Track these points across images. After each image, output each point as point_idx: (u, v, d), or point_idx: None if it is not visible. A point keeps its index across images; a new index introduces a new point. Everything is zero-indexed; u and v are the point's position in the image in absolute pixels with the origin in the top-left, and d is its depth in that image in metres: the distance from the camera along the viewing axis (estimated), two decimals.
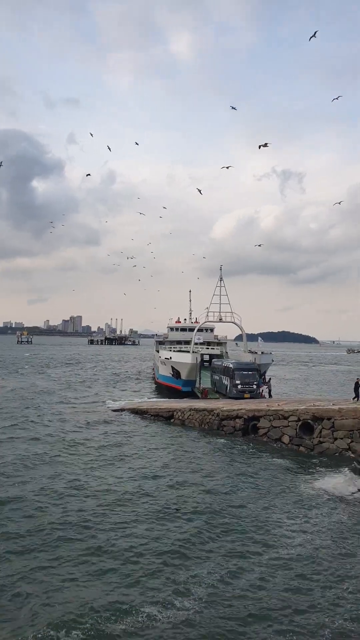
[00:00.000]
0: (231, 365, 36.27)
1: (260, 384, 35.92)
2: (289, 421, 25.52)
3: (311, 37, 29.96)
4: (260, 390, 35.34)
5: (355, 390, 29.81)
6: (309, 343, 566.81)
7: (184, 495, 17.33)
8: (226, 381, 36.25)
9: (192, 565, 12.12)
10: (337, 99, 34.16)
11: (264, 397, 35.16)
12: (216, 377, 40.19)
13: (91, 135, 48.35)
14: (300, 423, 24.99)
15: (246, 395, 34.08)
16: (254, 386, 34.85)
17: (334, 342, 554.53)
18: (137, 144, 72.34)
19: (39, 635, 9.22)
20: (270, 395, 35.80)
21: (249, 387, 34.62)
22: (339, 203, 50.35)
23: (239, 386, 34.49)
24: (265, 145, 31.15)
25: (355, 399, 29.39)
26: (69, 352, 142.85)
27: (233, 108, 35.24)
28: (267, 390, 36.15)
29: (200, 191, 48.78)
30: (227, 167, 39.07)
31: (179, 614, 10.05)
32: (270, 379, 38.29)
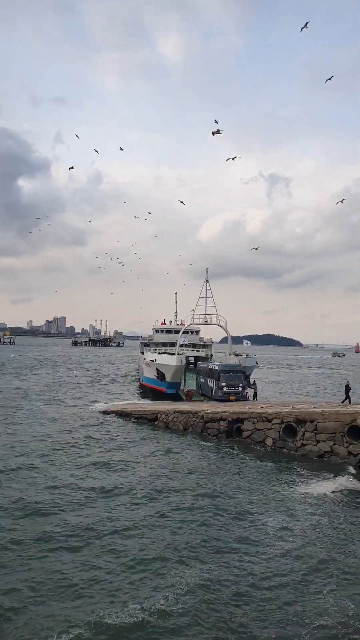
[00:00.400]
0: (217, 367, 36.16)
1: (245, 386, 36.01)
2: (272, 424, 25.70)
3: (303, 28, 29.54)
4: (245, 393, 35.46)
5: (346, 392, 30.07)
6: (293, 346, 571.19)
7: (168, 498, 17.33)
8: (212, 383, 36.18)
9: (177, 567, 12.12)
10: (330, 79, 32.99)
11: (248, 399, 35.32)
12: (201, 380, 40.01)
13: (77, 136, 48.36)
14: (283, 425, 25.18)
15: (232, 398, 34.05)
16: (240, 388, 34.83)
17: (317, 345, 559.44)
18: (121, 149, 70.66)
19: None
20: (255, 398, 35.95)
21: (234, 389, 34.55)
22: (342, 201, 47.48)
23: (225, 388, 34.42)
24: (219, 132, 30.48)
25: (346, 401, 29.62)
26: (53, 354, 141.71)
27: (216, 122, 35.42)
28: (253, 392, 36.26)
29: (183, 202, 48.49)
30: (233, 159, 35.94)
31: (168, 614, 10.08)
32: (254, 381, 38.36)
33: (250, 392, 35.99)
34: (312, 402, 33.25)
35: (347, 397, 29.71)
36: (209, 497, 17.47)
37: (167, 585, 11.28)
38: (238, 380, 34.94)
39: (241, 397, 34.56)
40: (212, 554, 12.92)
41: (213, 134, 30.48)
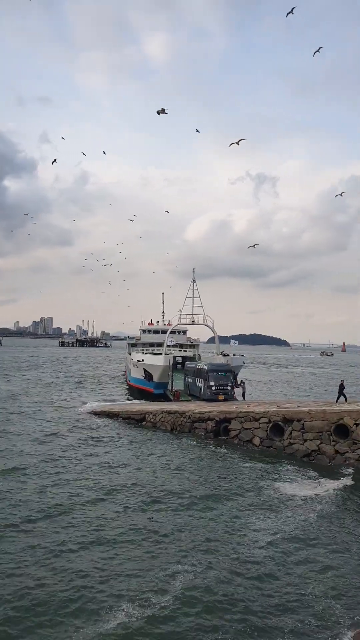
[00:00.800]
0: (205, 367, 36.00)
1: (234, 386, 35.98)
2: (259, 423, 25.80)
3: (288, 14, 28.97)
4: (233, 392, 35.45)
5: (340, 391, 30.07)
6: (280, 345, 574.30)
7: (155, 498, 17.29)
8: (200, 383, 36.04)
9: (164, 565, 12.12)
10: (318, 51, 31.76)
11: (236, 399, 35.35)
12: (189, 380, 39.78)
13: (62, 138, 47.81)
14: (270, 425, 25.29)
15: (220, 397, 33.97)
16: (229, 388, 34.73)
17: (304, 344, 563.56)
18: (104, 152, 69.90)
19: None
20: (244, 398, 35.95)
21: (223, 388, 34.43)
22: (341, 194, 45.83)
23: (213, 388, 34.28)
24: (164, 111, 30.00)
25: (341, 399, 29.50)
26: (40, 354, 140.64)
27: (197, 131, 35.34)
28: (241, 392, 36.23)
29: (167, 212, 47.60)
30: (238, 142, 33.26)
31: (154, 612, 10.11)
32: (242, 381, 38.36)
33: (238, 391, 35.99)
34: (299, 401, 33.46)
35: (342, 395, 29.67)
36: (197, 497, 17.47)
37: (157, 586, 11.26)
38: (227, 380, 34.84)
39: (230, 397, 34.56)
40: (201, 554, 12.92)
41: (158, 113, 29.90)
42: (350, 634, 9.51)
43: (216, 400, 33.58)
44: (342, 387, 30.29)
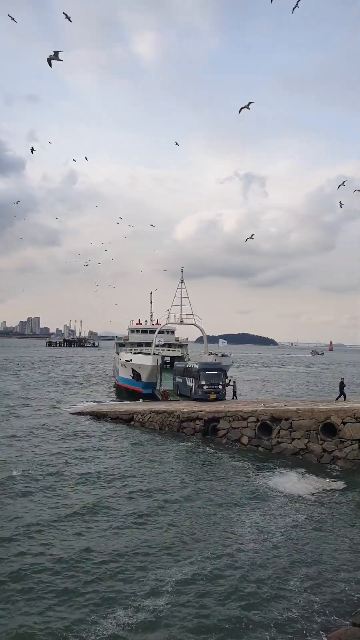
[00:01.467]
0: (196, 366, 35.31)
1: (225, 385, 35.72)
2: (247, 422, 25.87)
3: (294, 8, 27.39)
4: (224, 391, 35.15)
5: (341, 389, 30.02)
6: (268, 345, 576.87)
7: (144, 497, 17.24)
8: (190, 382, 35.71)
9: (154, 566, 12.10)
10: (296, 6, 29.52)
11: (225, 398, 35.25)
12: (179, 380, 39.33)
13: (50, 143, 47.10)
14: (259, 424, 25.37)
15: (212, 396, 33.59)
16: (220, 387, 34.36)
17: (292, 344, 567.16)
18: (86, 158, 63.87)
19: None
20: (235, 397, 35.66)
21: (214, 387, 34.03)
22: (343, 184, 43.25)
23: (205, 387, 33.82)
24: (248, 107, 28.40)
25: (341, 397, 29.41)
26: (27, 355, 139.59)
27: (177, 144, 35.23)
28: (232, 391, 35.92)
29: (152, 225, 45.65)
30: (248, 106, 29.24)
31: (147, 614, 10.08)
32: (233, 380, 38.19)
33: (228, 390, 35.84)
34: (286, 400, 33.59)
35: (342, 393, 29.61)
36: (186, 497, 17.47)
37: (145, 584, 11.24)
38: (218, 379, 34.45)
39: (221, 396, 34.25)
40: (189, 553, 12.92)
41: (241, 110, 28.56)
42: (332, 632, 9.57)
43: (207, 399, 33.35)
44: (342, 385, 30.09)
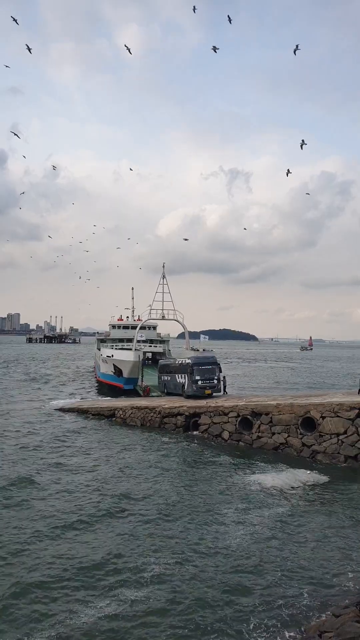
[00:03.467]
0: (188, 361, 33.23)
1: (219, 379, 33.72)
2: (228, 417, 26.04)
3: (295, 50, 28.12)
4: (219, 386, 33.40)
5: None
6: (249, 340, 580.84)
7: (126, 494, 17.22)
8: (181, 379, 33.72)
9: (138, 560, 12.12)
10: (297, 48, 30.72)
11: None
12: (166, 377, 36.93)
13: (28, 147, 46.12)
14: (239, 419, 25.56)
15: (208, 392, 31.73)
16: (215, 381, 32.47)
17: (272, 339, 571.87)
18: (54, 167, 66.18)
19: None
20: (225, 392, 34.97)
21: (210, 382, 32.11)
22: (308, 194, 43.85)
23: (199, 382, 31.82)
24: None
25: None
26: (6, 351, 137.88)
27: (131, 169, 35.91)
28: (222, 386, 34.89)
29: (129, 239, 44.24)
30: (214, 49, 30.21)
31: (133, 607, 10.11)
32: (224, 376, 37.35)
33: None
34: (267, 395, 33.80)
35: None
36: (167, 492, 17.51)
37: (128, 581, 11.25)
38: (213, 373, 32.66)
39: (217, 391, 32.56)
40: (168, 546, 12.98)
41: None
42: (311, 622, 9.74)
43: (203, 396, 31.51)
44: None
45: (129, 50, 29.08)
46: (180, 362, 35.05)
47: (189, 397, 32.00)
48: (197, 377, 31.97)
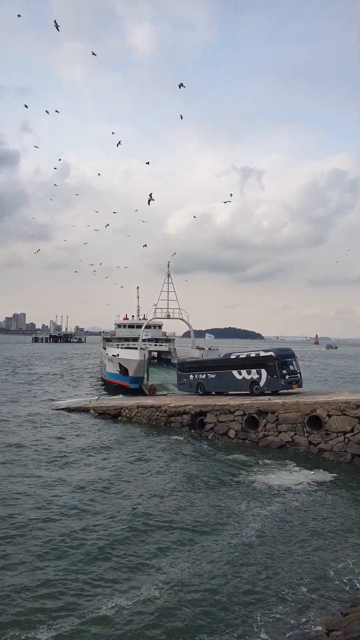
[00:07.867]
0: (272, 354, 29.55)
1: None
2: (235, 415, 26.01)
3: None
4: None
5: None
6: (254, 339, 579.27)
7: (131, 492, 17.27)
8: (249, 375, 30.18)
9: (148, 558, 12.16)
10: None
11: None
12: (200, 375, 33.36)
13: (36, 147, 46.42)
14: (245, 417, 25.53)
15: (294, 386, 29.17)
16: (298, 375, 30.01)
17: (277, 337, 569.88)
18: (55, 168, 66.38)
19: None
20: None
21: (294, 376, 29.54)
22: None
23: (287, 377, 29.00)
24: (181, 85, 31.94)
25: None
26: (12, 351, 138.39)
27: (147, 163, 37.85)
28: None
29: (149, 201, 43.31)
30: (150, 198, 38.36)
31: (143, 604, 10.18)
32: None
33: None
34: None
35: None
36: (173, 489, 17.53)
37: (141, 577, 11.29)
38: (296, 366, 30.15)
39: (300, 385, 29.90)
40: (182, 545, 13.01)
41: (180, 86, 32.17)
42: (319, 619, 9.72)
43: (285, 392, 28.59)
44: None
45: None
46: (258, 354, 30.54)
47: (266, 394, 28.97)
48: (284, 372, 29.10)
